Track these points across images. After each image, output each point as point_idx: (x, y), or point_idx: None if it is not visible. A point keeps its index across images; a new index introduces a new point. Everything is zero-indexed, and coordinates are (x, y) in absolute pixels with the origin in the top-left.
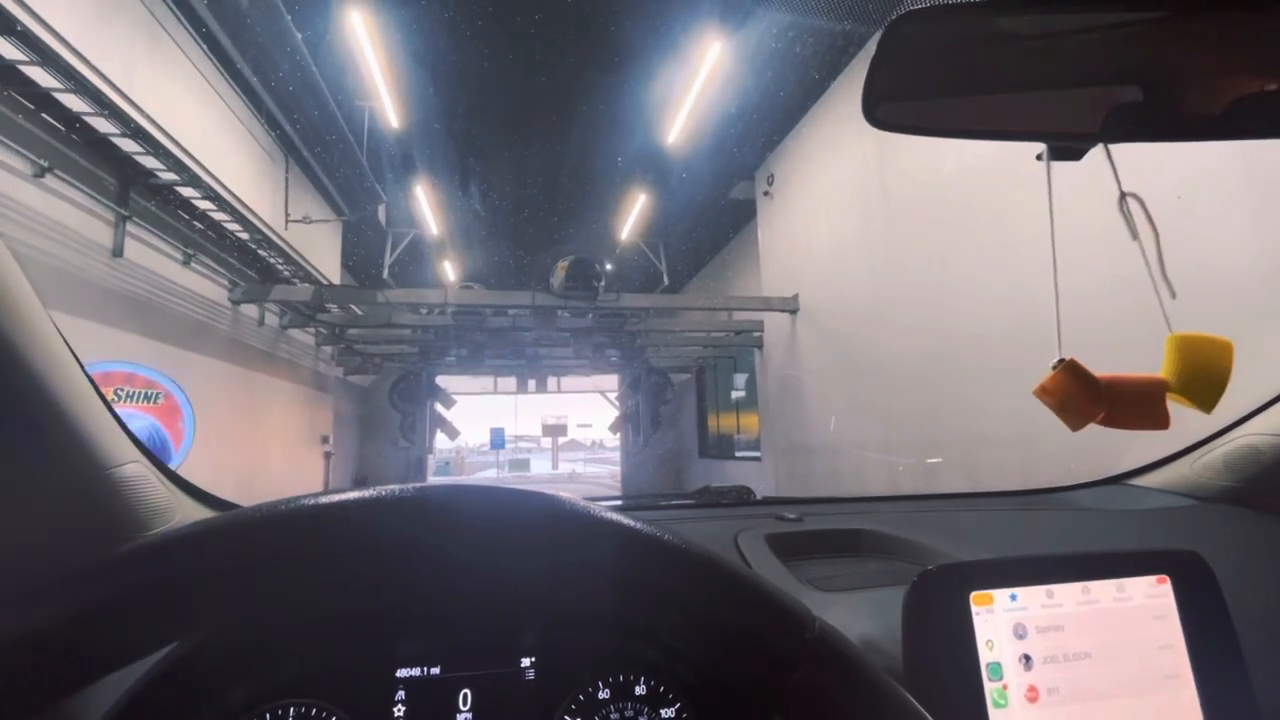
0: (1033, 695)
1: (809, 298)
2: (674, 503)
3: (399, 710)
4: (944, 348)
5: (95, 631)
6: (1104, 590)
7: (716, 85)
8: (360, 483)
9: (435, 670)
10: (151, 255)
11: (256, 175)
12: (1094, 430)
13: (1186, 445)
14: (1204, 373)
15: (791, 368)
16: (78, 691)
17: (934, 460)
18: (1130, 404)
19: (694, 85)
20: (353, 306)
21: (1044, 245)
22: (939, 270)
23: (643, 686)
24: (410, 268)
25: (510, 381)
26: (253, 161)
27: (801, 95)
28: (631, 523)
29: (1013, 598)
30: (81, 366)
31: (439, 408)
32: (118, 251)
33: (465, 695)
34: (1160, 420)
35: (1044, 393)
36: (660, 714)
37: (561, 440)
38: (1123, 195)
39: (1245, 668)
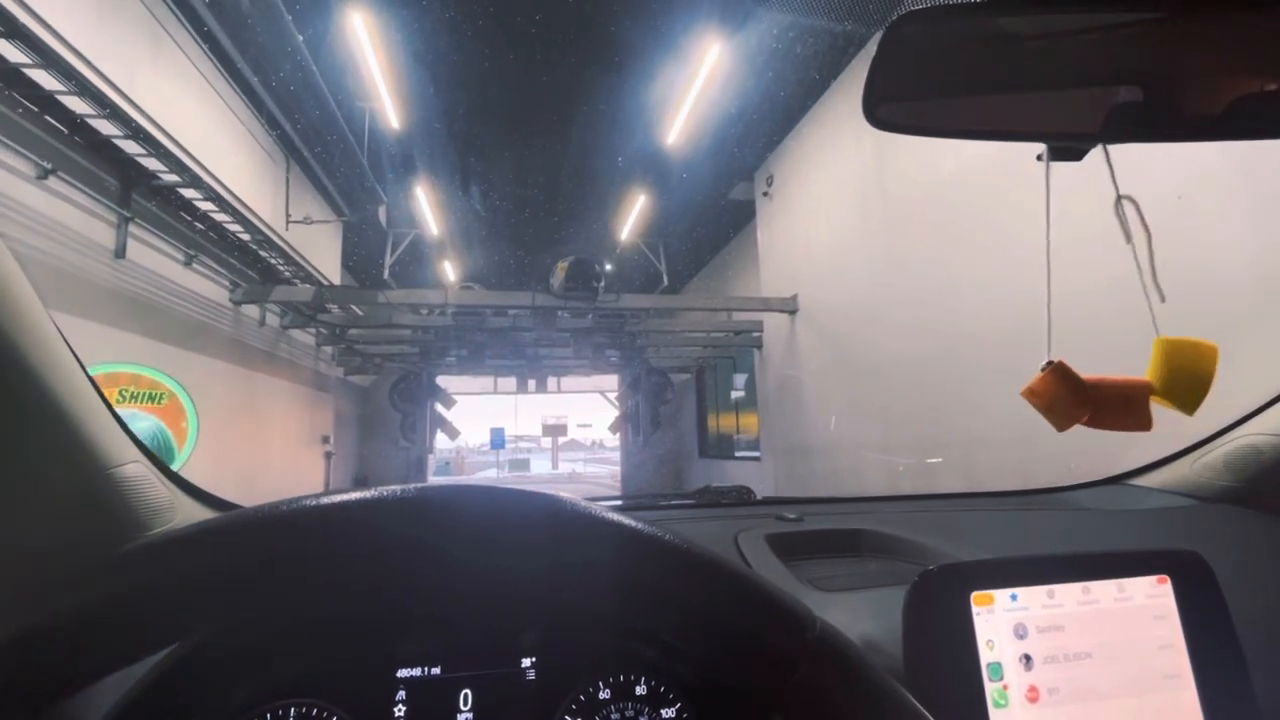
0: (1033, 695)
1: (808, 298)
2: (674, 503)
3: (399, 710)
4: (943, 348)
5: (96, 632)
6: (1104, 590)
7: (716, 86)
8: (361, 483)
9: (436, 670)
10: (153, 256)
11: (257, 176)
12: (1095, 430)
13: (1187, 445)
14: (1187, 376)
15: (791, 368)
16: (79, 692)
17: (934, 460)
18: (1114, 406)
19: (694, 86)
20: (353, 307)
21: (1043, 246)
22: (938, 271)
23: (643, 686)
24: (410, 268)
25: (510, 381)
26: (253, 162)
27: (801, 96)
28: (632, 523)
29: (1013, 598)
30: (82, 366)
31: (439, 408)
32: (120, 253)
33: (466, 695)
34: (1143, 422)
35: (1032, 394)
36: (660, 714)
37: (561, 440)
38: (1119, 198)
39: (1245, 668)
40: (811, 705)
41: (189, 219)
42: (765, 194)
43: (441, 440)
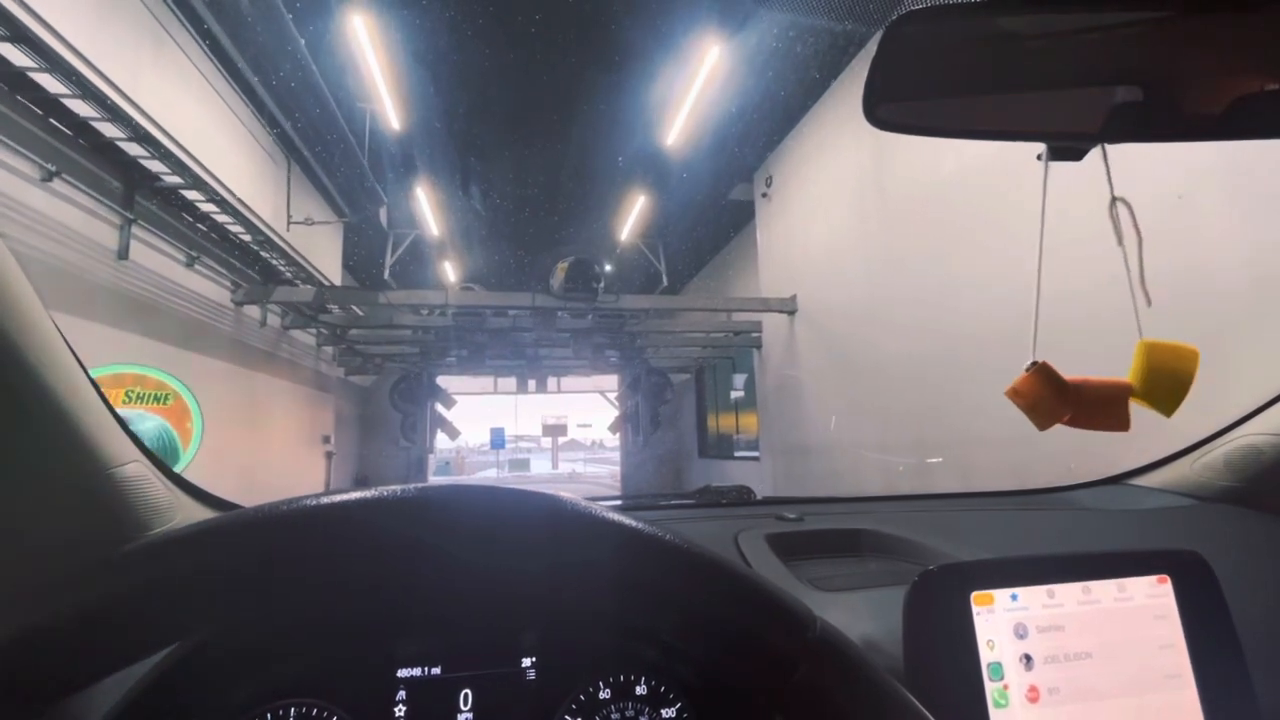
0: (1033, 695)
1: (807, 298)
2: (674, 503)
3: (400, 710)
4: (942, 348)
5: (96, 632)
6: (1105, 590)
7: (715, 86)
8: (361, 482)
9: (436, 670)
10: (156, 257)
11: (258, 177)
12: (1097, 431)
13: (1187, 445)
14: (1167, 378)
15: (789, 368)
16: (79, 691)
17: (933, 460)
18: (1095, 406)
19: (693, 86)
20: (354, 307)
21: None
22: (937, 271)
23: (643, 686)
24: (411, 268)
25: (510, 382)
26: (254, 163)
27: (800, 97)
28: (632, 523)
29: (1013, 598)
30: (82, 366)
31: (439, 408)
32: (123, 254)
33: (466, 695)
34: (1121, 423)
35: (1015, 394)
36: (660, 714)
37: (561, 440)
38: (1113, 199)
39: (1246, 667)
40: (811, 705)
41: (191, 220)
42: (764, 195)
43: (442, 440)
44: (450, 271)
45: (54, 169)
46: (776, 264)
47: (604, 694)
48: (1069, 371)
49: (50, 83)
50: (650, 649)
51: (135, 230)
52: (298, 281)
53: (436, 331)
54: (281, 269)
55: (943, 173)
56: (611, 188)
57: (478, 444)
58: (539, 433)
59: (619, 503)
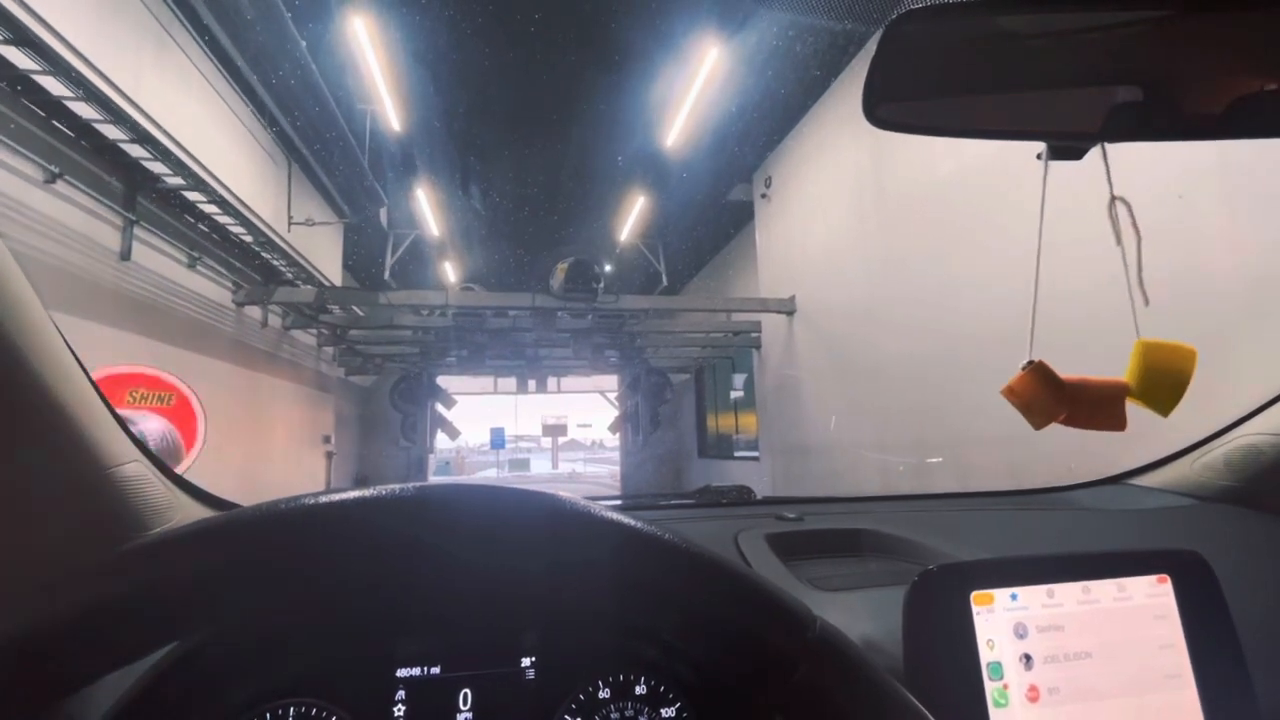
0: (1033, 695)
1: (806, 299)
2: (674, 502)
3: (399, 710)
4: (940, 348)
5: (95, 632)
6: (1104, 590)
7: (715, 87)
8: (361, 482)
9: (435, 670)
10: (158, 258)
11: (259, 178)
12: (1096, 430)
13: (1187, 445)
14: (1164, 378)
15: (789, 368)
16: (77, 692)
17: (934, 460)
18: (1091, 406)
19: (693, 87)
20: (354, 308)
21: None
22: (936, 271)
23: (643, 686)
24: (411, 268)
25: (510, 382)
26: (255, 164)
27: (800, 97)
28: (632, 522)
29: (1013, 597)
30: (82, 366)
31: (439, 408)
32: (125, 255)
33: (465, 695)
34: (1117, 422)
35: (1011, 393)
36: (660, 714)
37: (561, 440)
38: (1113, 199)
39: (1245, 667)
40: (811, 705)
41: (192, 221)
42: (764, 195)
43: (442, 440)
44: (450, 272)
45: (57, 171)
46: (776, 264)
47: (604, 694)
48: (1066, 371)
49: (53, 85)
50: (650, 649)
51: (137, 231)
52: (298, 282)
53: (437, 332)
54: (282, 269)
55: (941, 173)
56: (611, 188)
57: (478, 444)
58: (539, 433)
59: (619, 503)
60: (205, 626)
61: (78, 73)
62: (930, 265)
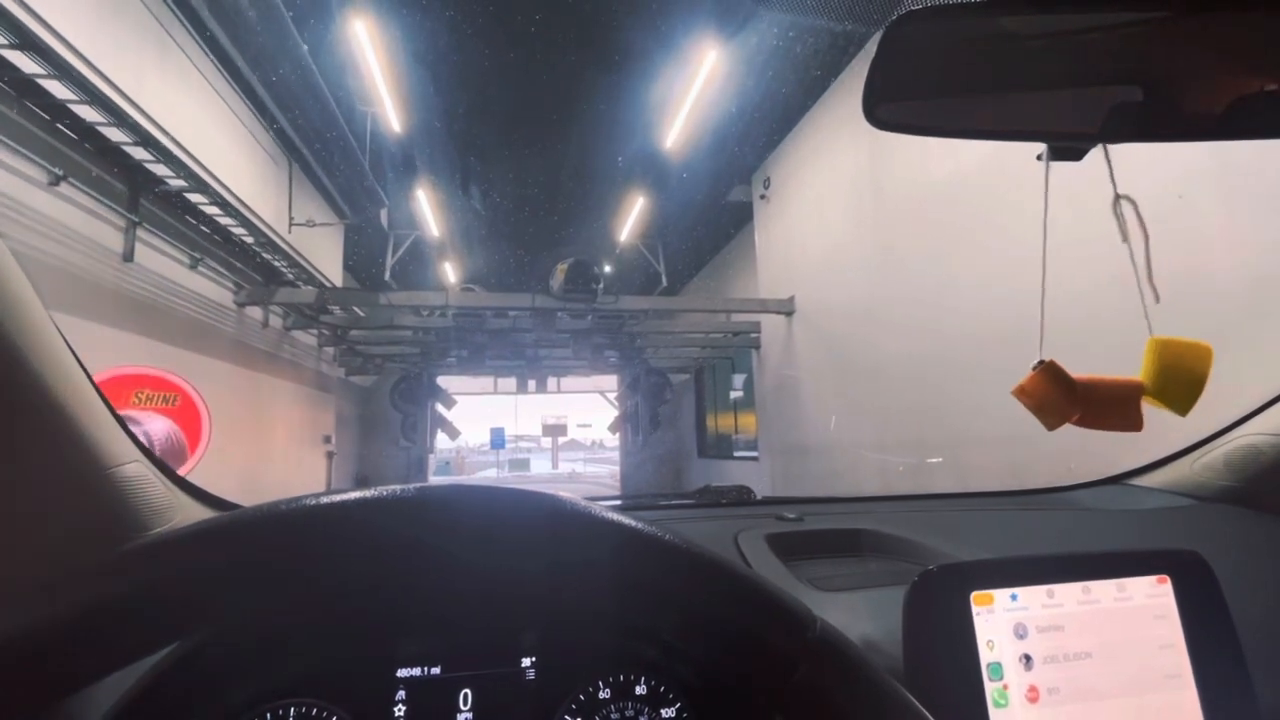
0: (1033, 695)
1: (805, 299)
2: (674, 503)
3: (399, 710)
4: (940, 348)
5: (95, 632)
6: (1104, 590)
7: (714, 88)
8: (361, 482)
9: (436, 670)
10: (160, 259)
11: (260, 179)
12: (1093, 430)
13: (1187, 445)
14: (1180, 376)
15: (788, 368)
16: (77, 692)
17: (933, 460)
18: (1105, 406)
19: (692, 88)
20: (355, 308)
21: (1040, 246)
22: (935, 271)
23: (643, 686)
24: (411, 269)
25: (510, 382)
26: (256, 165)
27: (799, 98)
28: (632, 522)
29: (1013, 598)
30: (82, 366)
31: (440, 408)
32: (128, 256)
33: (465, 695)
34: (1134, 422)
35: (1022, 393)
36: (660, 714)
37: (561, 440)
38: (1117, 197)
39: (1245, 667)
40: (811, 705)
41: (194, 223)
42: (763, 196)
43: (442, 440)
44: (450, 272)
45: (61, 173)
46: (775, 265)
47: (604, 694)
48: (1070, 371)
49: (57, 88)
50: (650, 649)
51: (140, 233)
52: (299, 283)
53: (437, 332)
54: (283, 270)
55: (940, 173)
56: (611, 188)
57: (478, 444)
58: (539, 433)
59: (619, 503)
60: (206, 627)
61: (81, 76)
62: (929, 265)
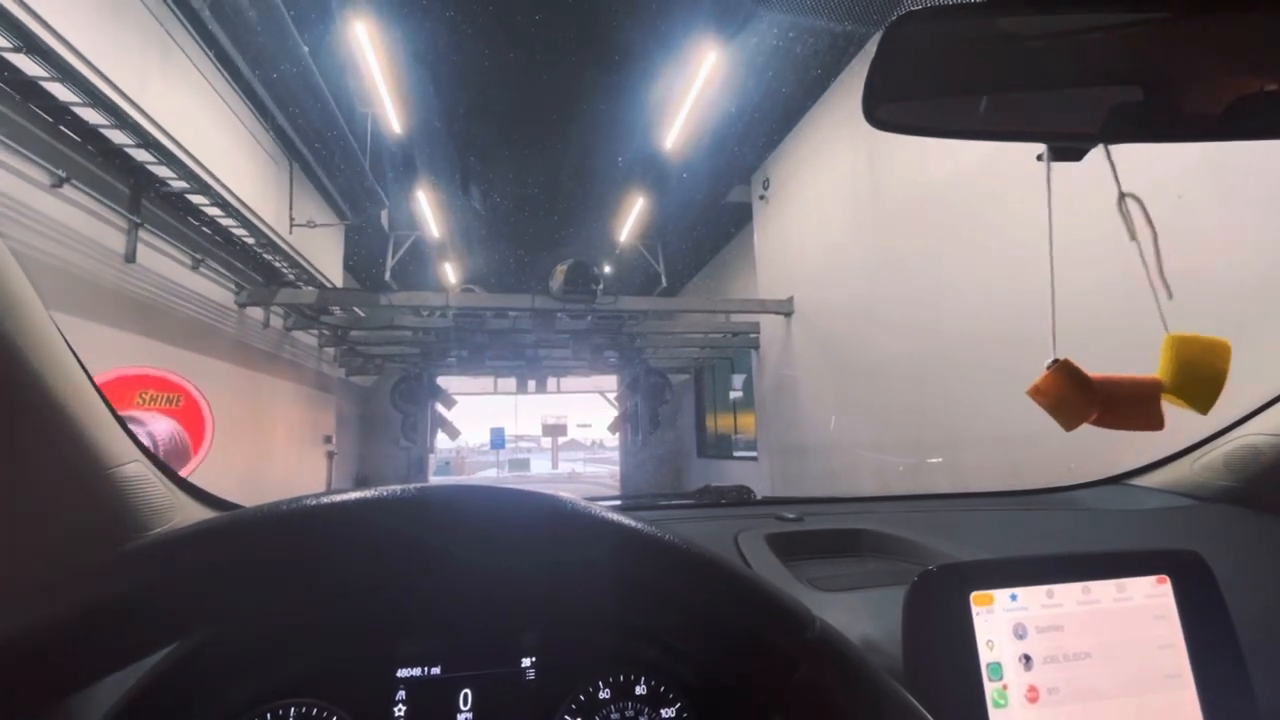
0: (1033, 695)
1: (804, 300)
2: (674, 503)
3: (399, 710)
4: (938, 348)
5: (96, 632)
6: (1104, 590)
7: (714, 89)
8: (361, 482)
9: (436, 670)
10: (162, 261)
11: (261, 180)
12: (1091, 430)
13: (1186, 445)
14: (1200, 373)
15: (787, 369)
16: (78, 692)
17: (933, 460)
18: (1124, 404)
19: (692, 89)
20: (355, 309)
21: (1038, 247)
22: (933, 271)
23: (643, 686)
24: (411, 269)
25: (510, 382)
26: (257, 166)
27: (799, 99)
28: (632, 523)
29: (1013, 598)
30: (82, 366)
31: (440, 408)
32: (130, 258)
33: (465, 695)
34: (1155, 421)
35: (1037, 393)
36: (660, 714)
37: (561, 440)
38: (1122, 195)
39: (1245, 667)
40: (811, 705)
41: (196, 224)
42: (762, 197)
43: (442, 440)
44: (450, 273)
45: (64, 175)
46: (774, 265)
47: (604, 694)
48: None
49: (61, 91)
50: (650, 649)
51: (141, 234)
52: (300, 283)
53: (437, 332)
54: (284, 271)
55: (939, 174)
56: (611, 189)
57: (478, 444)
58: (539, 433)
59: (618, 503)
60: (206, 627)
61: (84, 79)
62: (928, 266)
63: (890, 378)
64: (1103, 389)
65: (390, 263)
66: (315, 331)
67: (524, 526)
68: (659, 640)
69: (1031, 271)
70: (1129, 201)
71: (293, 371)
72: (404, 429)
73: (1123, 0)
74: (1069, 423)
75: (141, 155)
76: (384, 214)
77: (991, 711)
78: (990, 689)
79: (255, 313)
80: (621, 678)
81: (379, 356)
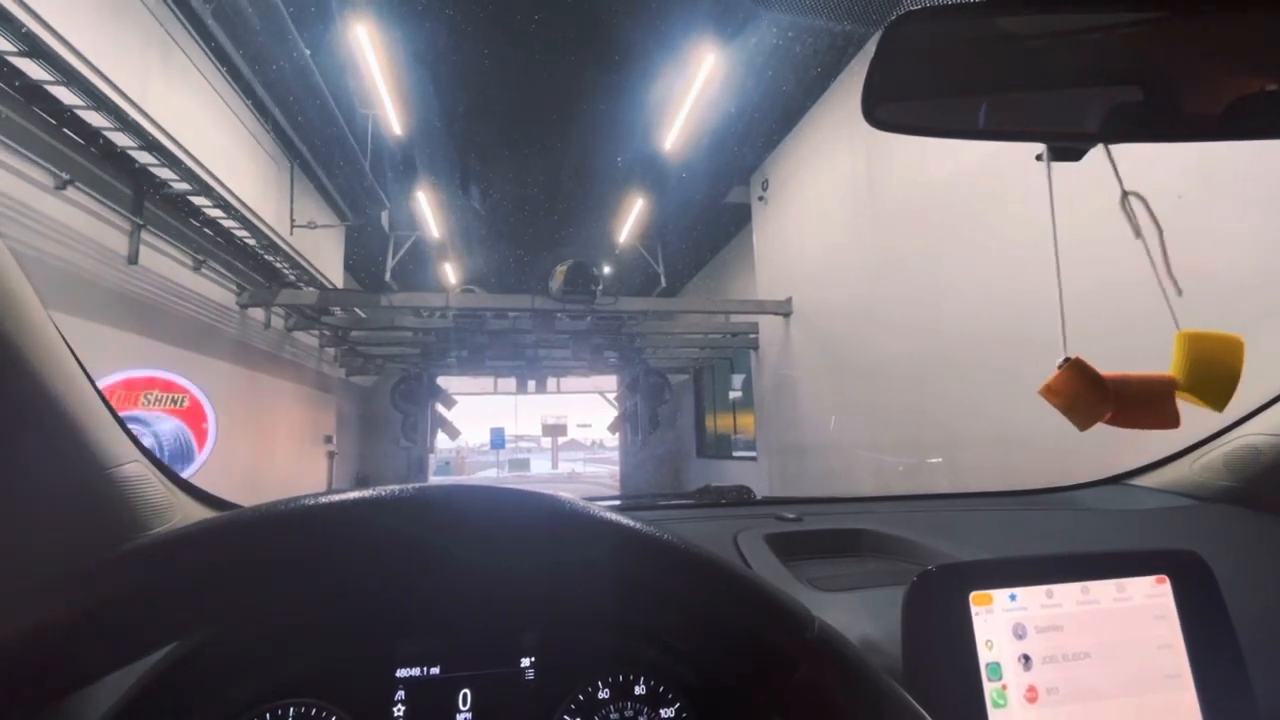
0: (1032, 695)
1: (803, 300)
2: (674, 503)
3: (399, 710)
4: (937, 348)
5: (95, 631)
6: (1104, 590)
7: (713, 90)
8: (362, 482)
9: (435, 670)
10: (164, 262)
11: (262, 182)
12: (1093, 430)
13: (1186, 445)
14: (1214, 370)
15: (786, 369)
16: (77, 691)
17: (933, 460)
18: (1138, 403)
19: (691, 90)
20: (356, 309)
21: (1037, 247)
22: (932, 272)
23: (642, 686)
24: (411, 270)
25: (510, 382)
26: (258, 168)
27: (799, 99)
28: (631, 523)
29: (1012, 598)
30: (82, 366)
31: (440, 408)
32: (133, 259)
33: (465, 695)
34: (1170, 419)
35: (1050, 392)
36: (660, 714)
37: (561, 440)
38: (1125, 194)
39: (1245, 668)
40: (811, 705)
41: (198, 225)
42: (761, 198)
43: (442, 440)
44: (450, 273)
45: (67, 177)
46: (773, 266)
47: (603, 694)
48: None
49: (65, 95)
50: (650, 649)
51: (144, 235)
52: (301, 284)
53: (437, 333)
54: (285, 272)
55: (938, 175)
56: (611, 189)
57: (478, 444)
58: (539, 433)
59: (618, 503)
60: (205, 627)
61: (87, 82)
62: (927, 266)
63: (890, 378)
64: (1115, 387)
65: (390, 263)
66: (316, 332)
67: (524, 526)
68: (659, 640)
69: (1031, 272)
70: (1133, 200)
71: (293, 372)
72: (404, 429)
73: (1122, 0)
74: (1083, 422)
75: (144, 157)
76: (384, 214)
77: (990, 711)
78: (989, 689)
79: (256, 313)
80: (621, 678)
81: (379, 357)
